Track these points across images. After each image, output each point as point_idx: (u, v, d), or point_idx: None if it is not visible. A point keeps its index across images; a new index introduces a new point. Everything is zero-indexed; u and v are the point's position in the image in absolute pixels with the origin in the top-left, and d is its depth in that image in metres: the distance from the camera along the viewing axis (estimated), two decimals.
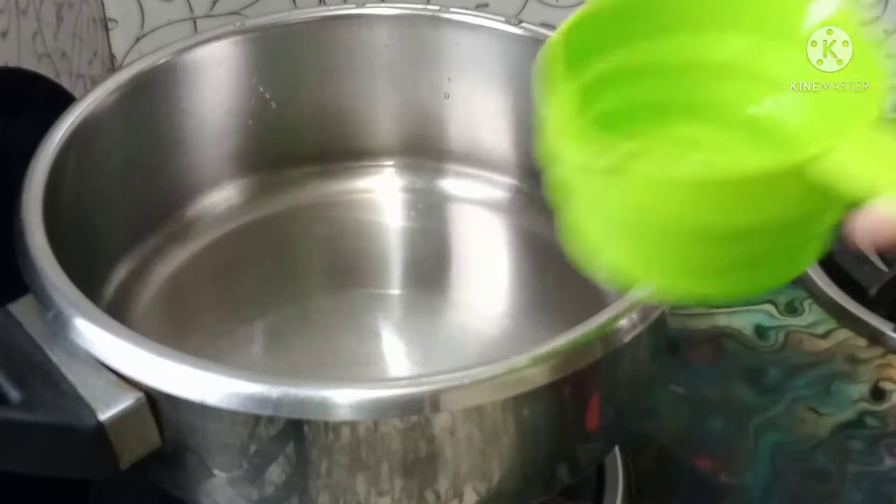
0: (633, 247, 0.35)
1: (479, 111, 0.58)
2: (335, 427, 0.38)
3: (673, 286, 0.36)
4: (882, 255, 0.62)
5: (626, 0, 0.37)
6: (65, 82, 0.68)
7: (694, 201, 0.31)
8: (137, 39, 0.78)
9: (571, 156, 0.32)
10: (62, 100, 0.52)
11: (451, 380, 0.38)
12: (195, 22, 0.77)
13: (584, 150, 0.32)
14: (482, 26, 0.56)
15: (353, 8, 0.58)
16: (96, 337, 0.39)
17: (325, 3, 0.77)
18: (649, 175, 0.31)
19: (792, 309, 0.64)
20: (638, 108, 0.38)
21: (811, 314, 0.64)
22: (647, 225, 0.33)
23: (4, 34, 0.59)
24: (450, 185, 0.61)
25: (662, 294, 0.36)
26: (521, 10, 0.76)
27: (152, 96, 0.54)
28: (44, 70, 0.64)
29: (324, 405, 0.37)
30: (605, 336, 0.40)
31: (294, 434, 0.38)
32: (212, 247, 0.57)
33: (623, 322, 0.40)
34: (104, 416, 0.38)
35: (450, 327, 0.55)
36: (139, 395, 0.38)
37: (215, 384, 0.37)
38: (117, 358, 0.39)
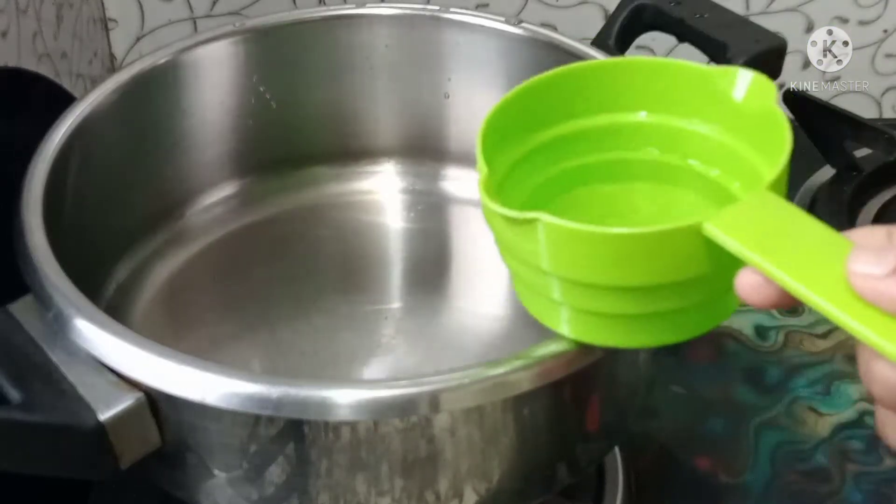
0: (543, 298, 0.38)
1: (479, 111, 0.58)
2: (335, 427, 0.38)
3: (592, 336, 0.38)
4: None
5: (553, 82, 0.41)
6: (65, 82, 0.68)
7: (595, 253, 0.34)
8: (137, 39, 0.78)
9: (496, 211, 0.35)
10: (62, 100, 0.52)
11: (451, 380, 0.38)
12: (195, 22, 0.78)
13: (504, 207, 0.35)
14: (482, 26, 0.56)
15: (353, 8, 0.58)
16: (96, 337, 0.39)
17: (325, 3, 0.77)
18: (555, 225, 0.34)
19: (792, 309, 0.64)
20: (572, 172, 0.42)
21: (811, 314, 0.64)
22: (556, 275, 0.36)
23: (4, 34, 0.59)
24: (450, 185, 0.61)
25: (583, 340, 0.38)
26: (521, 10, 0.76)
27: (152, 96, 0.54)
28: (44, 70, 0.64)
29: (324, 405, 0.37)
30: None
31: (294, 434, 0.38)
32: (212, 247, 0.57)
33: None
34: (104, 416, 0.38)
35: (450, 328, 0.55)
36: (139, 395, 0.38)
37: (215, 384, 0.37)
38: (117, 358, 0.39)
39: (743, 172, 0.39)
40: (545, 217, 0.34)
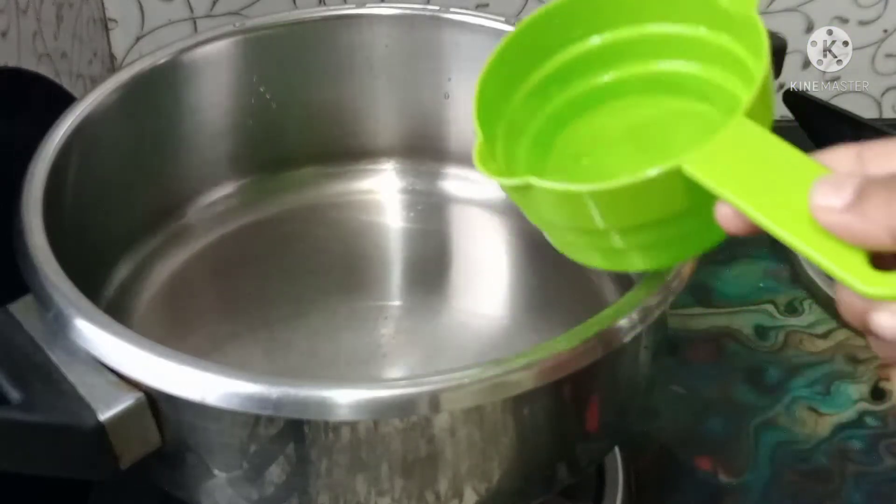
0: (561, 237, 0.40)
1: None
2: (335, 427, 0.38)
3: (600, 263, 0.40)
4: None
5: (543, 20, 0.42)
6: (65, 82, 0.68)
7: (580, 205, 0.36)
8: (137, 39, 0.78)
9: (492, 178, 0.39)
10: (62, 100, 0.52)
11: (451, 380, 0.38)
12: (195, 22, 0.78)
13: (497, 174, 0.39)
14: (482, 26, 0.56)
15: (353, 8, 0.58)
16: (96, 337, 0.39)
17: (325, 3, 0.77)
18: (544, 189, 0.36)
19: (792, 309, 0.64)
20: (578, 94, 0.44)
21: (811, 314, 0.64)
22: (560, 221, 0.38)
23: (4, 34, 0.59)
24: (450, 185, 0.61)
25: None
26: (521, 10, 0.76)
27: (152, 96, 0.54)
28: (44, 70, 0.64)
29: (324, 405, 0.37)
30: (605, 336, 0.40)
31: (294, 434, 0.38)
32: (212, 247, 0.57)
33: (623, 322, 0.40)
34: (104, 416, 0.38)
35: (450, 328, 0.55)
36: (139, 395, 0.38)
37: (215, 384, 0.37)
38: (117, 358, 0.39)
39: (741, 72, 0.39)
40: (534, 181, 0.36)
